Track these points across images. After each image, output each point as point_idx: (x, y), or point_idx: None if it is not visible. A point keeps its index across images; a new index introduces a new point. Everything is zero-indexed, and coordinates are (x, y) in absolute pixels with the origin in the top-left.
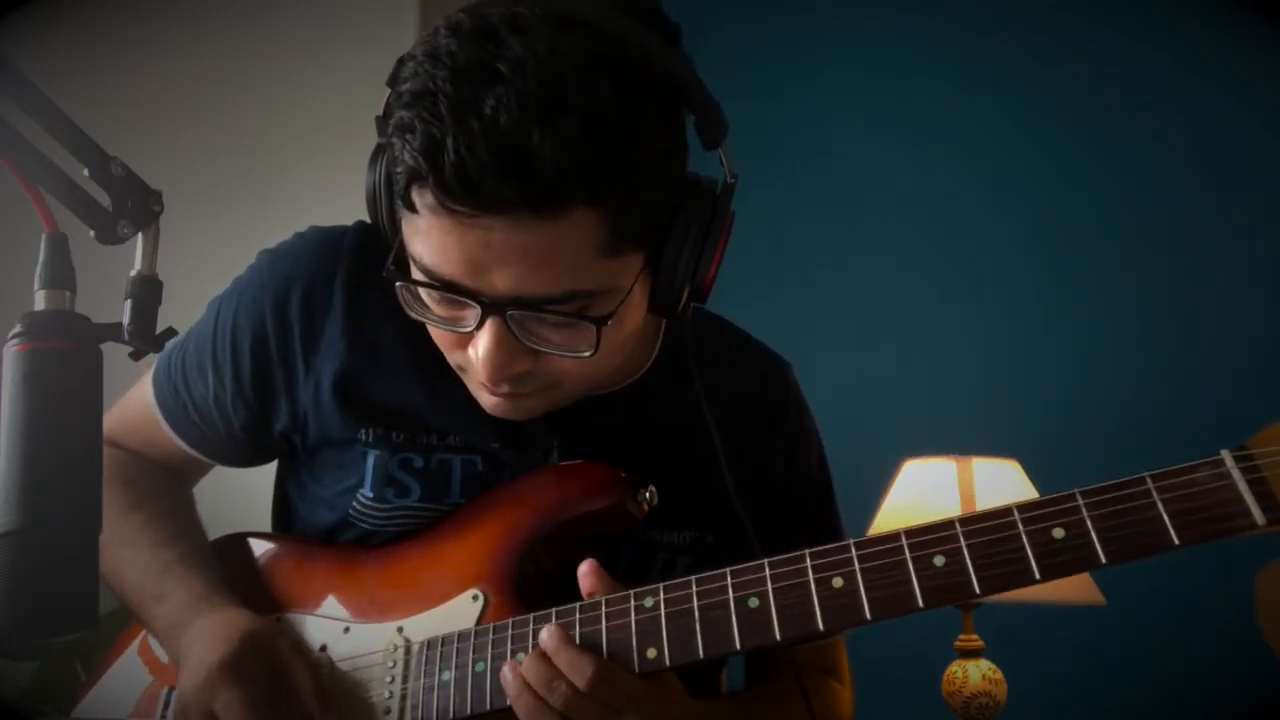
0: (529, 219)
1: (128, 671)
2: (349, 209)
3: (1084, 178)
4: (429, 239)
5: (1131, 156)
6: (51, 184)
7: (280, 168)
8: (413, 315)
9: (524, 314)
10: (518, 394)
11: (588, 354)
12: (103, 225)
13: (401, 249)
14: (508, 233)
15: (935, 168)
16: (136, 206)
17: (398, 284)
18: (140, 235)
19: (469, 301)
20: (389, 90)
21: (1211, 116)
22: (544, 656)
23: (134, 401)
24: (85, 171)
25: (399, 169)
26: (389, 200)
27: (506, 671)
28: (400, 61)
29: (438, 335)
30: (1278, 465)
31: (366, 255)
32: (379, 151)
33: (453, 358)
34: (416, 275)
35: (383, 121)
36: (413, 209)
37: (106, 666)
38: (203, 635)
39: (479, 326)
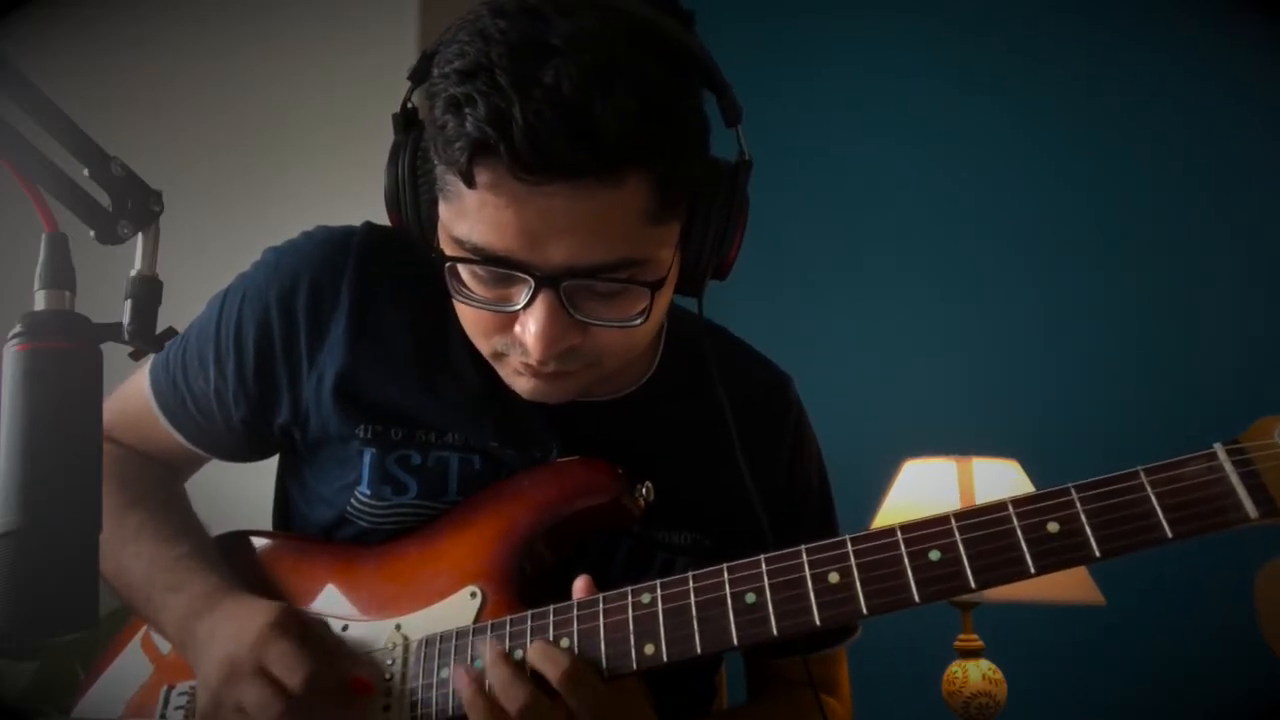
0: (591, 184)
1: (130, 668)
2: (349, 209)
3: (1083, 177)
4: (482, 216)
5: (1131, 156)
6: (51, 184)
7: (280, 168)
8: (458, 301)
9: (577, 284)
10: (560, 373)
11: (639, 322)
12: (103, 225)
13: (427, 239)
14: (570, 199)
15: (935, 168)
16: (136, 206)
17: (449, 263)
18: (140, 235)
19: (523, 276)
20: (410, 84)
21: (1211, 116)
22: (502, 658)
23: (128, 396)
24: (85, 171)
25: (458, 144)
26: (414, 193)
27: (461, 674)
28: (425, 56)
29: (477, 321)
30: (1269, 458)
31: (374, 256)
32: (399, 148)
33: (490, 343)
34: (462, 274)
35: (400, 117)
36: (471, 184)
37: (106, 665)
38: (233, 614)
39: (530, 302)
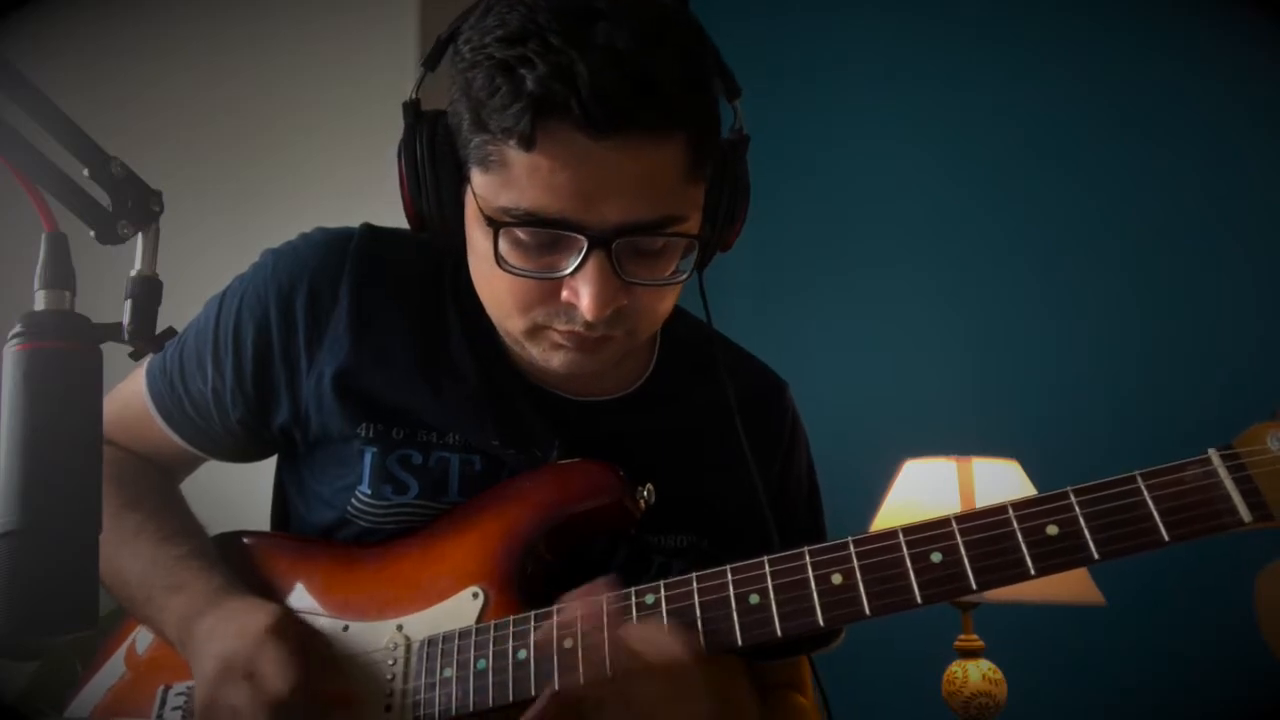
0: (645, 141)
1: (117, 671)
2: (349, 209)
3: (1084, 177)
4: (535, 180)
5: (1131, 157)
6: (51, 184)
7: (280, 168)
8: (505, 270)
9: (626, 242)
10: (603, 338)
11: (684, 276)
12: (103, 225)
13: (447, 225)
14: (624, 156)
15: (936, 168)
16: (136, 206)
17: (502, 229)
18: (140, 235)
19: (575, 237)
20: (423, 70)
21: (1212, 117)
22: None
23: (124, 398)
24: (85, 171)
25: (515, 106)
26: (434, 177)
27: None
28: (441, 41)
29: (519, 293)
30: (1262, 463)
31: (373, 257)
32: (414, 134)
33: (529, 317)
34: (502, 249)
35: (411, 105)
36: (530, 145)
37: (98, 667)
38: (234, 615)
39: (581, 264)
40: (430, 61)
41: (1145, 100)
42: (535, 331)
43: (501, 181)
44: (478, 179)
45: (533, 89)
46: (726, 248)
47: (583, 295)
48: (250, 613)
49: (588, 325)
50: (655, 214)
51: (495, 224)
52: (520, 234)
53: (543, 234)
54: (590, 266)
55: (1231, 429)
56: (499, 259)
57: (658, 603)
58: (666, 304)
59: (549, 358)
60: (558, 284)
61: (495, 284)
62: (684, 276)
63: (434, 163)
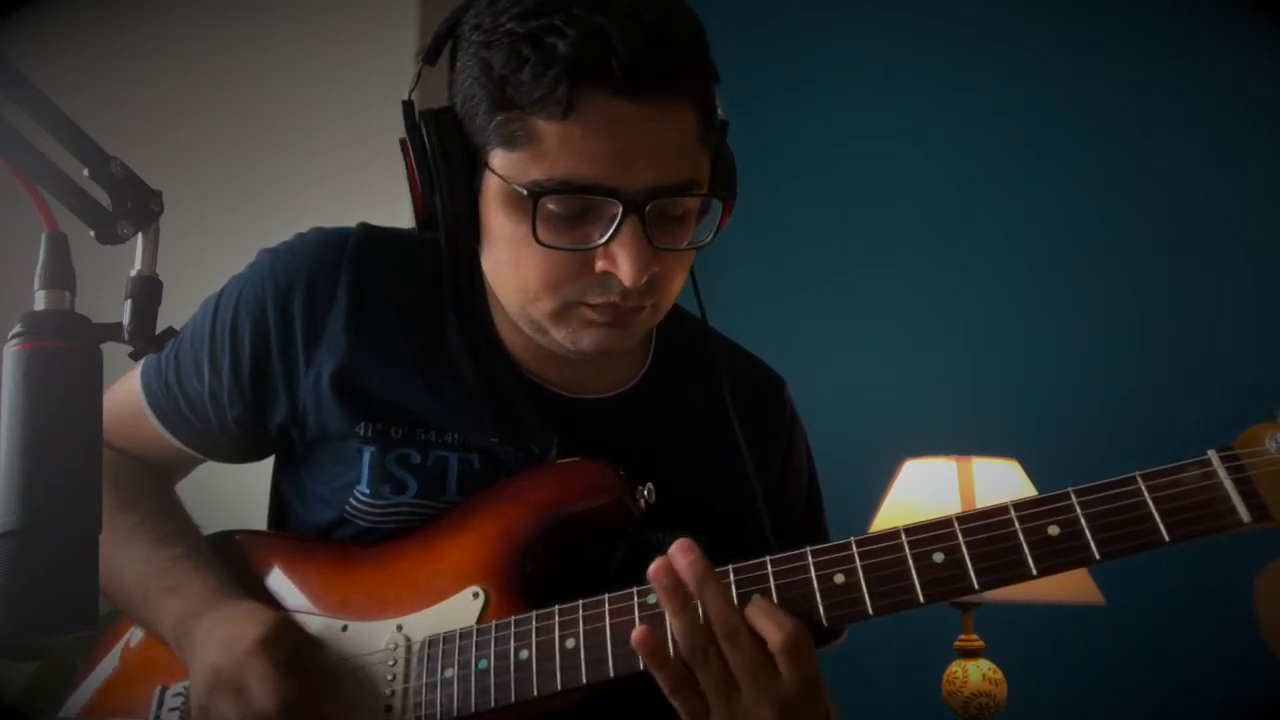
0: (669, 104)
1: (109, 672)
2: (349, 209)
3: (1084, 177)
4: (568, 148)
5: (1131, 157)
6: (51, 184)
7: (280, 168)
8: (542, 245)
9: (658, 205)
10: (636, 309)
11: (709, 239)
12: (103, 225)
13: (460, 215)
14: (653, 119)
15: (936, 168)
16: (136, 206)
17: (539, 200)
18: (140, 235)
19: (610, 202)
20: (421, 64)
21: (1213, 117)
22: (731, 606)
23: (118, 398)
24: (85, 171)
25: (548, 75)
26: (447, 167)
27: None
28: (441, 34)
29: (552, 269)
30: (1262, 465)
31: (370, 256)
32: (419, 128)
33: (561, 294)
34: (539, 221)
35: (410, 105)
36: (566, 113)
37: (92, 667)
38: (229, 619)
39: (616, 231)
40: (430, 56)
41: (1145, 100)
42: (565, 311)
43: (531, 156)
44: (501, 159)
45: (567, 53)
46: (721, 221)
47: (621, 261)
48: (243, 621)
49: (624, 294)
50: (682, 177)
51: (534, 193)
52: (552, 206)
53: (574, 205)
54: (626, 232)
55: (1231, 428)
56: (535, 232)
57: (660, 602)
58: (682, 278)
59: (579, 338)
60: (590, 257)
61: (523, 266)
62: (702, 244)
63: (445, 154)
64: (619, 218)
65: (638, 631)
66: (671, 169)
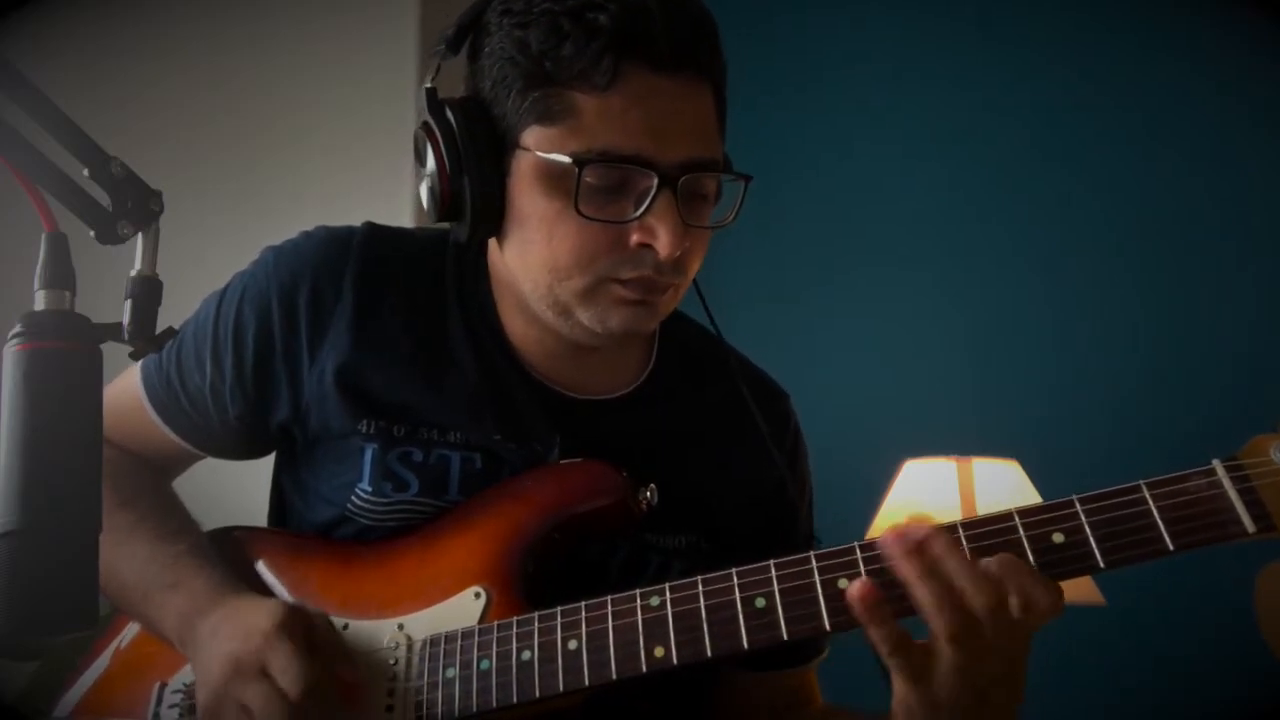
0: (698, 81)
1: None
2: (349, 208)
3: (1085, 178)
4: (607, 121)
5: (1133, 157)
6: (51, 184)
7: (280, 168)
8: (582, 217)
9: (690, 179)
10: (666, 286)
11: (731, 217)
12: (103, 225)
13: (488, 196)
14: (685, 96)
15: (936, 169)
16: (136, 206)
17: (582, 167)
18: (140, 235)
19: (647, 173)
20: (441, 54)
21: (1215, 117)
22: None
23: (117, 394)
24: (85, 171)
25: (591, 47)
26: (475, 151)
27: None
28: (464, 26)
29: (587, 243)
30: (1266, 475)
31: (375, 255)
32: (443, 116)
33: (594, 269)
34: (581, 193)
35: (433, 93)
36: (608, 84)
37: (86, 666)
38: (238, 612)
39: (652, 203)
40: (455, 45)
41: (1148, 101)
42: (596, 288)
43: (569, 130)
44: (537, 135)
45: (610, 26)
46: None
47: (659, 232)
48: (254, 610)
49: (657, 268)
50: (711, 153)
51: (579, 161)
52: (589, 179)
53: (612, 178)
54: (661, 204)
55: (1231, 429)
56: (577, 203)
57: (663, 604)
58: (699, 262)
59: (607, 316)
60: (624, 232)
61: (556, 243)
62: (723, 223)
63: (473, 137)
64: (654, 190)
65: (859, 585)
66: (703, 144)
